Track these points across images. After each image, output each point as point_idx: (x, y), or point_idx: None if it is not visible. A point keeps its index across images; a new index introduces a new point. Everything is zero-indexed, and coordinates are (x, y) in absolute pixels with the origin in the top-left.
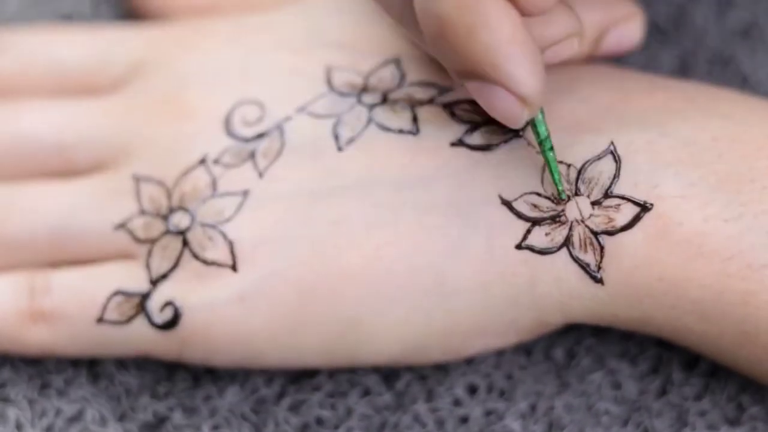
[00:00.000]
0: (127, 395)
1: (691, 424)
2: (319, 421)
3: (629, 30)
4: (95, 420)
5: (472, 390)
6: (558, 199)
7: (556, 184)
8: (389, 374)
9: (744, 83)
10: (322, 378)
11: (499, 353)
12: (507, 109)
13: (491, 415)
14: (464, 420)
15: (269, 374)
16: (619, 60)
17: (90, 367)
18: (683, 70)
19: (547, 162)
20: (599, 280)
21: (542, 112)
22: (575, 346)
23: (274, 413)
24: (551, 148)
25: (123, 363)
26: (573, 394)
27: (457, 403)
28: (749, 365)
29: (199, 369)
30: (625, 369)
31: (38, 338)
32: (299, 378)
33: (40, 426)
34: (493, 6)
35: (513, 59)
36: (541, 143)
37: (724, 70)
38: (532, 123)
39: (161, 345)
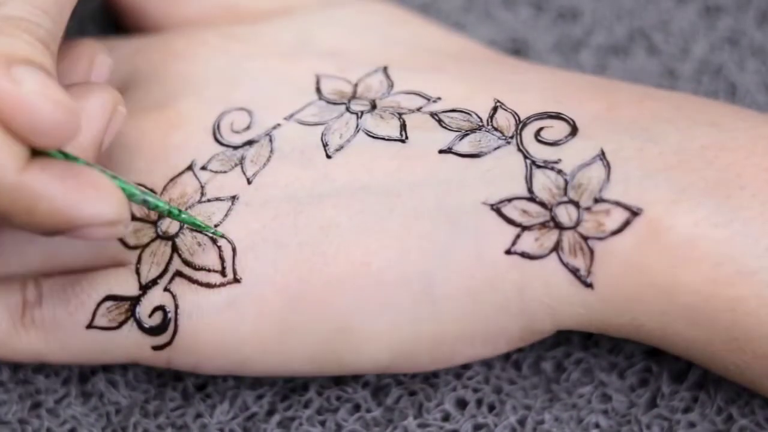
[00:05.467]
0: (117, 414)
1: None
2: None
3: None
4: None
5: (462, 404)
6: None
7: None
8: (378, 390)
9: (732, 92)
10: (311, 394)
11: (489, 367)
12: (108, 235)
13: (481, 429)
14: None
15: (259, 391)
16: (606, 70)
17: (80, 386)
18: (671, 79)
19: (190, 223)
20: (589, 285)
21: (147, 193)
22: (564, 359)
23: (263, 431)
24: (180, 212)
25: (113, 381)
26: (562, 407)
27: (446, 417)
28: (739, 371)
29: (189, 387)
30: (615, 382)
31: (29, 345)
32: (289, 395)
33: None
34: (33, 177)
35: (83, 205)
36: (170, 214)
37: (712, 79)
38: (147, 206)
39: (151, 351)
